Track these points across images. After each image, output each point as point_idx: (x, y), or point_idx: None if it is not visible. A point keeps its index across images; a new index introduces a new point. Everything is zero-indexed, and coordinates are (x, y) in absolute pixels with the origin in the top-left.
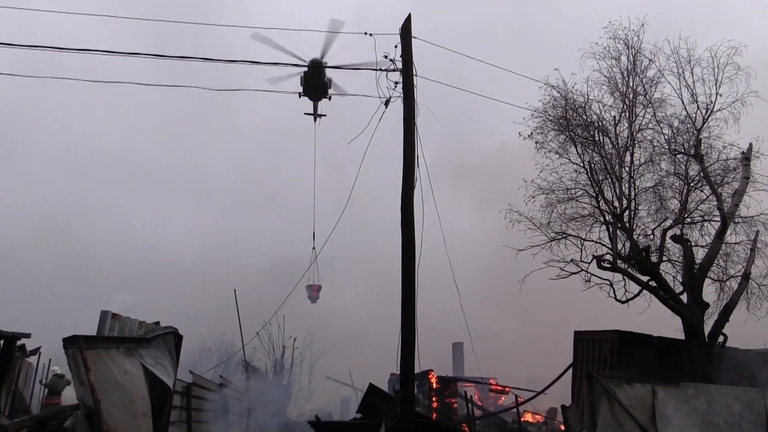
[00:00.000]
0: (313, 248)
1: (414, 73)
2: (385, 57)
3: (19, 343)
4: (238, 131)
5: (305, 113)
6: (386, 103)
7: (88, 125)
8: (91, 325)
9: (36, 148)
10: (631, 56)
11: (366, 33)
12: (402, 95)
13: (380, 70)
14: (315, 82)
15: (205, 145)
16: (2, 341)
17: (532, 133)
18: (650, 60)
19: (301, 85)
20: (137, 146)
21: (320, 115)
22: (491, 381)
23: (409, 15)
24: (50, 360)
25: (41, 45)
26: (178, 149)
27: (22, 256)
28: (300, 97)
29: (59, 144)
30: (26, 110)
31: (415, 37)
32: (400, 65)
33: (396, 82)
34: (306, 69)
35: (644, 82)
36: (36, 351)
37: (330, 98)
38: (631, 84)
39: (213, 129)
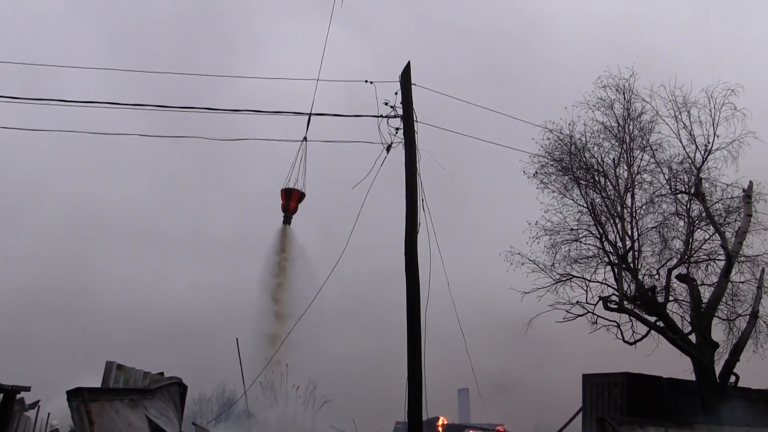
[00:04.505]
0: (305, 138)
1: (414, 118)
2: (386, 104)
3: (18, 396)
4: (238, 190)
5: None
6: (388, 149)
7: (92, 188)
8: (92, 377)
9: (41, 206)
10: (624, 102)
11: (366, 81)
12: (403, 140)
13: (381, 116)
14: None
15: (206, 204)
16: (2, 395)
17: (536, 173)
18: (645, 101)
19: None
20: (139, 207)
21: None
22: (499, 428)
23: (409, 62)
24: (49, 414)
25: (44, 98)
26: (179, 209)
27: (23, 312)
28: None
29: (64, 203)
30: (31, 169)
31: (415, 84)
32: (400, 111)
33: (397, 128)
34: None
35: (641, 126)
36: (35, 405)
37: None
38: (627, 129)
39: (214, 188)
